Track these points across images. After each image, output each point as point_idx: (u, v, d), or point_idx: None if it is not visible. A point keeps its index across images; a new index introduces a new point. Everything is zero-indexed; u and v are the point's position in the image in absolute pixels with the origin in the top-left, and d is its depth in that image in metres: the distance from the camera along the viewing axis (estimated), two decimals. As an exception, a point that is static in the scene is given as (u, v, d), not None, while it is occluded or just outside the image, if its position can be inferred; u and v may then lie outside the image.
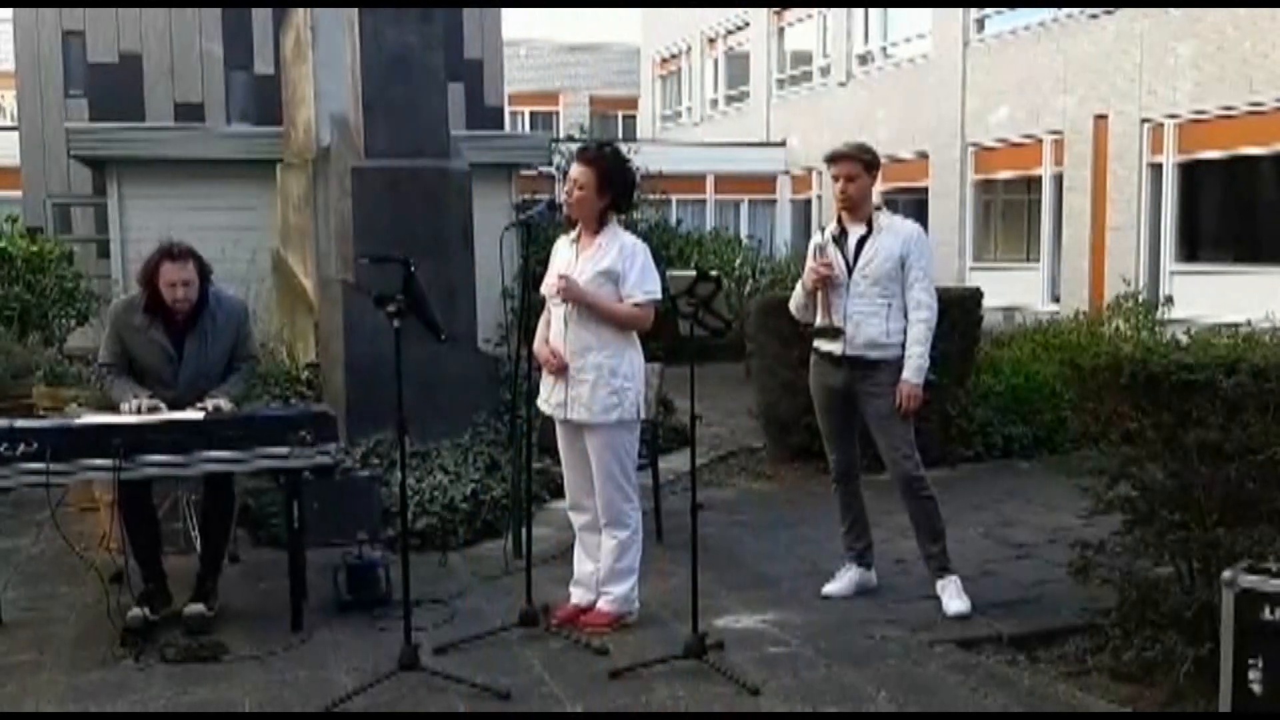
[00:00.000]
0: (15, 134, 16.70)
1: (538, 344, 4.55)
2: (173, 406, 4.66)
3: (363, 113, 7.16)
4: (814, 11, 22.11)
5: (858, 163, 4.72)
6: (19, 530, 5.85)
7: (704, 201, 21.93)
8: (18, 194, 16.26)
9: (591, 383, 4.36)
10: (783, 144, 22.70)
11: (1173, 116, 13.97)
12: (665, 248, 13.72)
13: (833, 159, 4.77)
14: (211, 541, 4.84)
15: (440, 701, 3.84)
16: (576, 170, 4.40)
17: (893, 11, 19.94)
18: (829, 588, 4.95)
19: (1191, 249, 14.20)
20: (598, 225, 4.43)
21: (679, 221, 16.91)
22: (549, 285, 4.48)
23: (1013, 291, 15.61)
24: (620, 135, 28.84)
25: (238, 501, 5.17)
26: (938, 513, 4.79)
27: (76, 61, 16.22)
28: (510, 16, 17.47)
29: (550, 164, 14.84)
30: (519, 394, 4.84)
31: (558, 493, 6.30)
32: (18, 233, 11.29)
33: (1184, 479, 3.82)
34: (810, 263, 4.83)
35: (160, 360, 4.82)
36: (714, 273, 4.20)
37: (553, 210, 4.59)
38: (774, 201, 22.91)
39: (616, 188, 4.42)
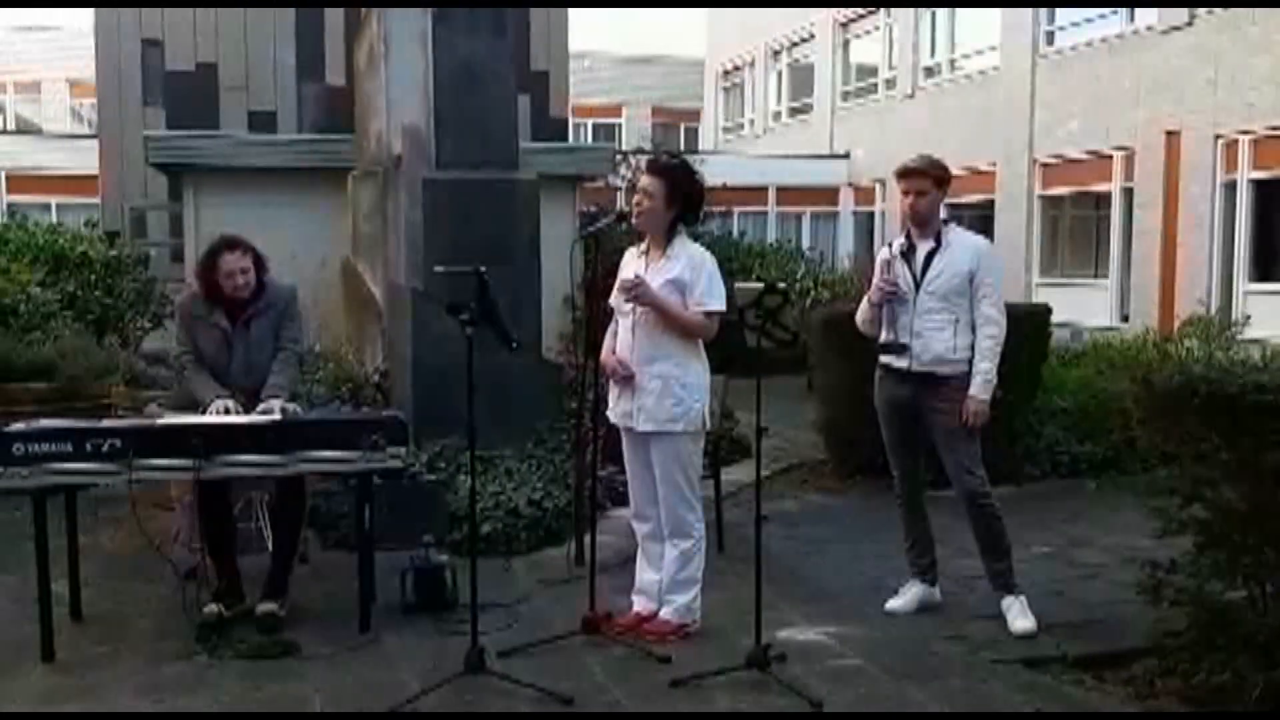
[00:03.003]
0: (95, 142, 17.20)
1: (605, 354, 4.60)
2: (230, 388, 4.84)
3: (434, 124, 7.28)
4: (880, 24, 22.03)
5: (928, 178, 4.71)
6: (97, 527, 6.00)
7: (765, 214, 21.90)
8: (96, 200, 16.74)
9: (657, 393, 4.40)
10: (846, 156, 22.60)
11: (1248, 133, 13.70)
12: (728, 260, 13.72)
13: (903, 174, 4.76)
14: (283, 542, 4.94)
15: (504, 705, 3.90)
16: (646, 181, 4.45)
17: (961, 25, 19.80)
18: (893, 603, 4.93)
19: (1265, 268, 13.90)
20: (666, 237, 4.47)
21: (742, 234, 16.91)
22: (618, 296, 4.53)
23: (1080, 308, 15.39)
24: (682, 146, 28.87)
25: (308, 503, 5.28)
26: (1003, 530, 4.75)
27: (154, 70, 16.65)
28: (574, 26, 17.60)
29: (616, 175, 14.94)
30: (584, 402, 4.89)
31: (619, 501, 6.35)
32: (97, 237, 11.59)
33: (1259, 502, 3.76)
34: (878, 277, 4.83)
35: (219, 346, 4.99)
36: (781, 285, 4.22)
37: (621, 221, 4.63)
38: (836, 214, 22.82)
39: (685, 199, 4.46)
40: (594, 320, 4.73)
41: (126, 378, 7.66)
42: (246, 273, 4.91)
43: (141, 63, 16.57)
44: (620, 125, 33.05)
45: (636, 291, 4.36)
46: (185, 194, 12.50)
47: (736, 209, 19.51)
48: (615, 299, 4.54)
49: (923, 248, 4.76)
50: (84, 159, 17.94)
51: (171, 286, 11.95)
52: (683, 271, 4.40)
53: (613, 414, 4.60)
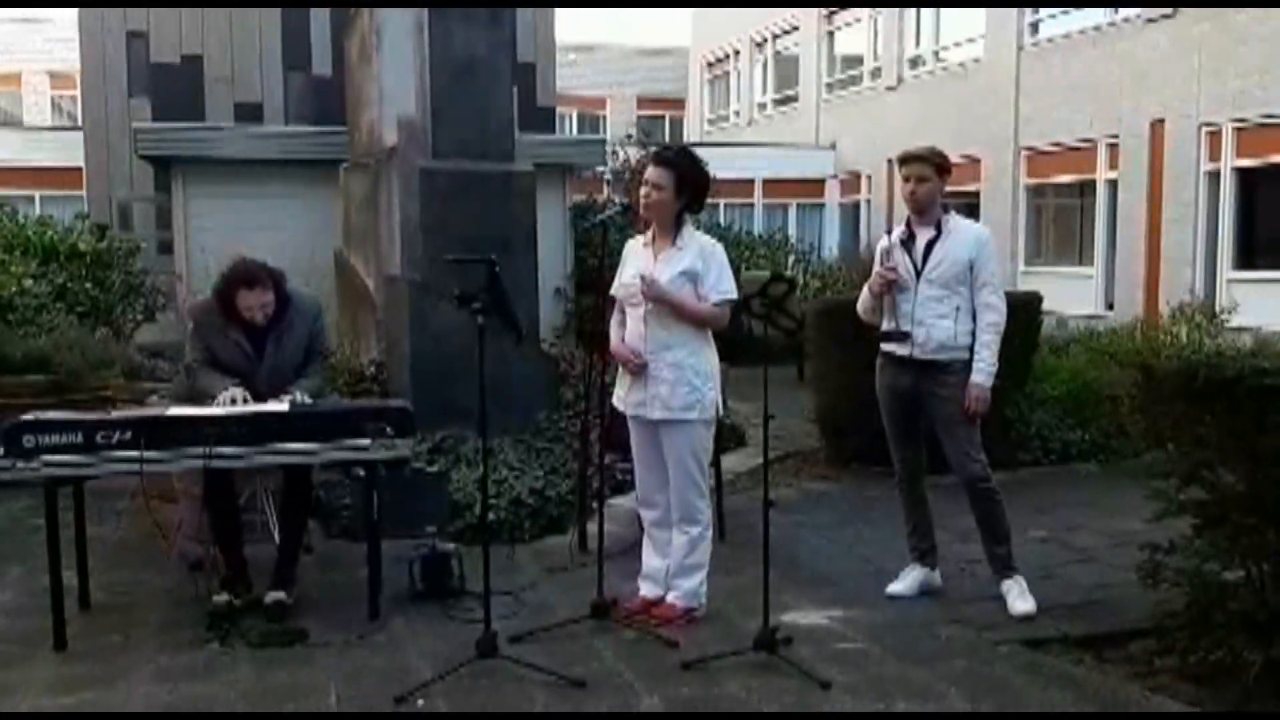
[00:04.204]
0: (79, 134, 17.08)
1: (614, 343, 4.65)
2: (254, 398, 4.81)
3: (430, 115, 7.30)
4: (864, 15, 22.09)
5: (929, 165, 4.76)
6: (100, 518, 5.99)
7: (752, 205, 21.95)
8: (80, 192, 16.64)
9: (672, 381, 4.44)
10: (832, 147, 22.67)
11: (1231, 121, 13.83)
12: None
13: (905, 160, 4.82)
14: (290, 531, 4.97)
15: (518, 689, 3.95)
16: (654, 173, 4.48)
17: (945, 15, 19.88)
18: (894, 587, 5.00)
19: (1249, 256, 14.04)
20: (674, 226, 4.51)
21: (729, 226, 16.98)
22: (622, 286, 4.57)
23: (1065, 297, 15.46)
24: (668, 137, 28.89)
25: (314, 493, 5.31)
26: (1004, 514, 4.83)
27: (139, 63, 16.53)
28: (560, 17, 17.59)
29: (605, 166, 14.97)
30: (587, 392, 4.93)
31: (618, 489, 6.41)
32: (88, 229, 11.54)
33: (1256, 483, 3.84)
34: (878, 266, 4.88)
35: (240, 358, 4.97)
36: (788, 273, 4.28)
37: (626, 213, 4.67)
38: (822, 205, 22.88)
39: (692, 189, 4.50)
40: (596, 310, 4.77)
41: (124, 370, 7.65)
42: (266, 306, 4.87)
43: (127, 55, 16.46)
44: (605, 116, 33.05)
45: (648, 291, 4.41)
46: (174, 186, 12.48)
47: (722, 201, 19.55)
48: (620, 289, 4.58)
49: (923, 236, 4.82)
50: (68, 152, 17.81)
51: (163, 279, 11.92)
52: (694, 262, 4.45)
53: (623, 403, 4.63)
